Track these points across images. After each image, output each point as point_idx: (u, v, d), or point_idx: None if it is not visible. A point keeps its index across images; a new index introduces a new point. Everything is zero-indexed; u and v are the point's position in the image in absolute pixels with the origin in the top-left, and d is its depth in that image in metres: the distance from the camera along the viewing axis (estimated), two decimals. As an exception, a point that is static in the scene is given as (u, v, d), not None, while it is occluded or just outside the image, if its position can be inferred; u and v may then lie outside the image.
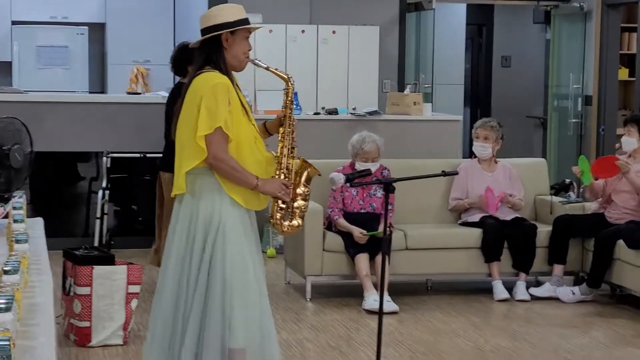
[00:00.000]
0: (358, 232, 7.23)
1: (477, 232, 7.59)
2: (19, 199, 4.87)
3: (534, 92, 13.82)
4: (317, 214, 7.32)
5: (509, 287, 7.51)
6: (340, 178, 5.07)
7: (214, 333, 4.41)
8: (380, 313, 4.96)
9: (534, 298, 7.50)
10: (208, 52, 4.50)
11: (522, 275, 7.60)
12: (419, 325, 6.79)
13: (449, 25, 13.23)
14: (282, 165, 4.61)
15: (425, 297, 7.61)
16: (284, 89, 4.68)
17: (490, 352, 6.20)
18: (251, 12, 10.51)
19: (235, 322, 4.42)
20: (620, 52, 11.59)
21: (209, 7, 9.79)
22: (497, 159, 7.99)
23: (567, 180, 8.22)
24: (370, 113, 9.67)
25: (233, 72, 4.57)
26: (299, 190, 4.65)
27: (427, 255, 7.53)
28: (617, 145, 7.64)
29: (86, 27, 11.95)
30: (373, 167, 7.39)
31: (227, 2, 9.81)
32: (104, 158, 8.82)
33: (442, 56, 12.39)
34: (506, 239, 7.59)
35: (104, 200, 8.81)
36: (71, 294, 6.00)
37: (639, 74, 10.70)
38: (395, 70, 11.55)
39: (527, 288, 7.54)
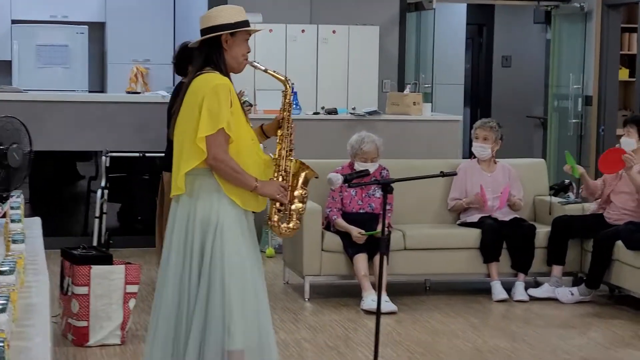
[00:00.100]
0: (356, 232, 7.22)
1: (475, 233, 7.59)
2: (17, 198, 4.87)
3: (534, 92, 13.81)
4: (315, 214, 7.32)
5: (508, 288, 7.51)
6: (338, 178, 5.06)
7: (215, 334, 4.41)
8: (377, 313, 4.96)
9: (533, 299, 7.49)
10: (208, 53, 4.51)
11: (521, 275, 7.59)
12: (417, 325, 6.79)
13: (449, 25, 13.22)
14: (281, 167, 4.62)
15: (424, 297, 7.61)
16: (282, 91, 4.67)
17: (488, 353, 6.20)
18: (251, 11, 10.56)
19: (233, 324, 4.42)
20: (621, 52, 11.58)
21: (209, 7, 9.82)
22: (497, 159, 7.98)
23: (567, 181, 8.22)
24: (370, 113, 9.66)
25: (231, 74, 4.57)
26: (296, 193, 4.65)
27: (425, 255, 7.53)
28: (617, 146, 7.63)
29: (86, 27, 11.95)
30: (372, 167, 7.38)
31: (227, 2, 9.85)
32: (103, 157, 8.83)
33: (442, 56, 12.39)
34: (505, 239, 7.58)
35: (102, 200, 8.82)
36: (69, 293, 6.00)
37: (639, 74, 10.69)
38: (395, 70, 11.55)
39: (526, 288, 7.54)
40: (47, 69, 11.82)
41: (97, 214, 8.83)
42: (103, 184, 8.86)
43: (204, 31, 4.50)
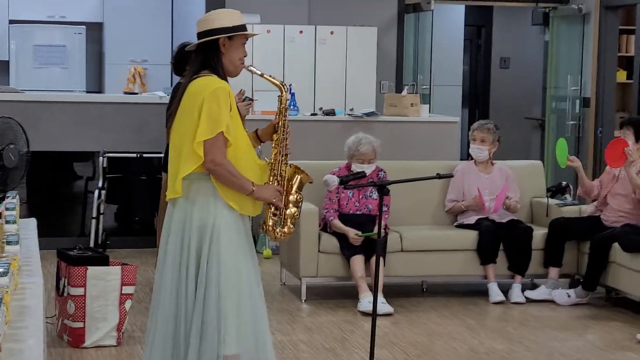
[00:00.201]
0: (353, 234, 7.22)
1: (472, 234, 7.58)
2: (12, 199, 4.86)
3: (532, 94, 13.82)
4: (312, 216, 7.32)
5: (505, 290, 7.51)
6: (334, 180, 5.07)
7: (210, 339, 4.41)
8: (373, 315, 4.96)
9: (530, 301, 7.49)
10: (205, 56, 4.50)
11: (518, 277, 7.59)
12: (414, 327, 6.78)
13: (447, 26, 13.23)
14: (276, 171, 4.61)
15: (421, 298, 7.60)
16: (278, 96, 4.67)
17: (485, 355, 6.19)
18: (249, 12, 10.64)
19: (228, 328, 4.41)
20: (619, 54, 11.58)
21: (207, 8, 9.82)
22: (494, 161, 7.98)
23: (564, 183, 8.21)
24: (368, 114, 9.66)
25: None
26: (291, 198, 4.65)
27: (422, 257, 7.52)
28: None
29: (84, 27, 11.94)
30: (369, 168, 7.38)
31: (224, 3, 9.85)
32: (100, 158, 8.83)
33: (440, 57, 12.38)
34: (502, 241, 7.58)
35: (100, 200, 8.82)
36: (65, 294, 5.99)
37: (637, 76, 10.69)
38: (393, 71, 11.55)
39: (523, 290, 7.53)
40: (44, 69, 11.81)
41: (94, 215, 8.83)
42: (100, 184, 8.87)
43: (201, 34, 4.49)
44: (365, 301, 7.03)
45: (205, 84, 4.41)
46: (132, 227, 9.77)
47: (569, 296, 7.42)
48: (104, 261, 6.10)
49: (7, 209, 4.55)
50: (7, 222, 4.21)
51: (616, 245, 7.18)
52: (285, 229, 4.67)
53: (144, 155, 8.84)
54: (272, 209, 4.63)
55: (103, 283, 5.95)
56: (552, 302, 7.45)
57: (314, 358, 6.05)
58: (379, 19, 11.34)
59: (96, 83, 12.26)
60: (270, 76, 4.67)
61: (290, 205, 4.66)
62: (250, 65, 4.65)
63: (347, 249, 7.27)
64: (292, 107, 9.55)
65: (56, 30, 11.93)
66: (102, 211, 8.86)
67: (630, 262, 7.07)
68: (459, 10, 13.44)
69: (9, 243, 3.71)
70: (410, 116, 9.79)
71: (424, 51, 11.76)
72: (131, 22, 11.98)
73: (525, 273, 7.62)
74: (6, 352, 2.76)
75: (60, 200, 10.25)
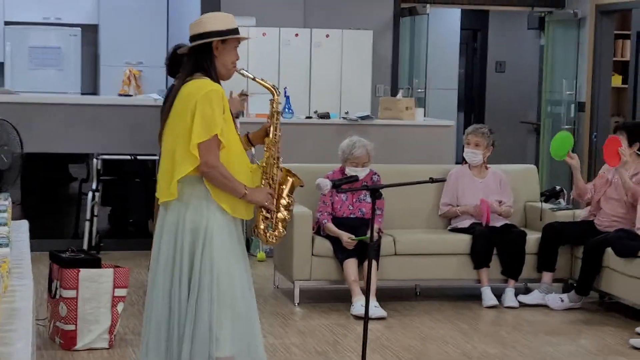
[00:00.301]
0: (346, 237, 7.21)
1: (466, 238, 7.58)
2: (4, 201, 4.85)
3: (528, 98, 13.82)
4: (306, 219, 7.31)
5: (498, 294, 7.50)
6: (326, 184, 5.07)
7: (202, 341, 4.41)
8: (365, 319, 4.95)
9: (523, 305, 7.48)
10: (198, 59, 4.50)
11: (511, 281, 7.59)
12: (407, 331, 6.77)
13: (443, 30, 13.23)
14: (268, 175, 4.61)
15: (414, 302, 7.60)
16: (270, 100, 4.67)
17: (477, 359, 6.19)
18: (245, 15, 10.64)
19: (221, 330, 4.42)
20: (614, 59, 11.60)
21: (202, 11, 9.81)
22: (488, 165, 7.98)
23: (558, 187, 8.21)
24: (362, 117, 9.65)
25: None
26: (282, 201, 4.66)
27: (416, 260, 7.52)
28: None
29: (79, 28, 11.94)
30: (363, 172, 7.38)
31: (220, 6, 9.84)
32: (94, 160, 8.82)
33: (436, 61, 12.38)
34: (495, 245, 7.57)
35: (93, 202, 8.81)
36: (57, 296, 5.98)
37: (632, 81, 10.71)
38: (388, 75, 11.55)
39: (516, 295, 7.53)
40: (39, 71, 11.80)
41: (88, 217, 8.83)
42: (94, 186, 8.86)
43: (194, 37, 4.49)
44: (358, 305, 7.02)
45: (198, 87, 4.41)
46: (126, 229, 9.76)
47: (562, 301, 7.41)
48: (96, 263, 6.09)
49: (-2, 210, 4.54)
50: (-2, 224, 4.21)
51: (609, 250, 7.18)
52: (277, 233, 4.68)
53: (138, 157, 8.84)
54: (264, 212, 4.64)
55: (95, 285, 5.94)
56: (545, 306, 7.45)
57: (306, 361, 6.05)
58: (374, 22, 11.34)
59: (91, 85, 12.26)
60: (262, 79, 4.67)
61: (282, 208, 4.66)
62: (242, 69, 4.65)
63: (341, 253, 7.26)
64: (287, 110, 9.55)
65: (51, 31, 11.92)
66: (96, 213, 8.85)
67: (623, 267, 7.07)
68: (455, 14, 13.45)
69: (-1, 245, 3.71)
70: (405, 120, 9.78)
71: (419, 55, 11.76)
72: (126, 24, 11.98)
73: (519, 277, 7.62)
74: (-6, 355, 2.76)
75: (55, 202, 10.25)
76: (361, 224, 7.33)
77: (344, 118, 9.77)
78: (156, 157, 7.72)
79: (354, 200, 7.46)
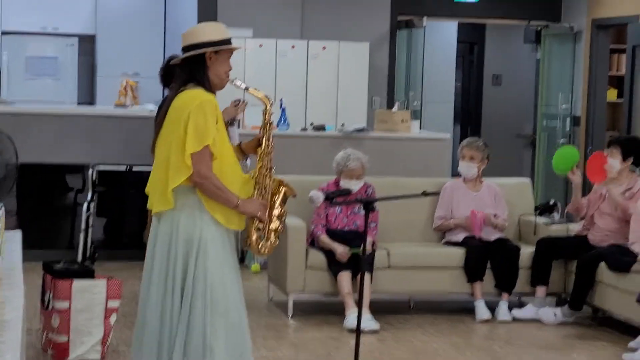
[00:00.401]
0: (341, 250, 7.21)
1: (460, 252, 7.58)
2: (-3, 211, 4.84)
3: (524, 111, 13.84)
4: (300, 231, 7.31)
5: (492, 308, 7.50)
6: (319, 197, 5.07)
7: (196, 350, 4.42)
8: (357, 332, 4.95)
9: (516, 319, 7.47)
10: (191, 70, 4.51)
11: (505, 295, 7.59)
12: (400, 344, 6.77)
13: (440, 42, 13.25)
14: (261, 185, 4.62)
15: (408, 315, 7.59)
16: (262, 110, 4.68)
17: (469, 373, 6.19)
18: (242, 26, 10.66)
19: (215, 340, 4.42)
20: (609, 73, 11.62)
21: (199, 21, 9.83)
22: (482, 179, 7.98)
23: (552, 201, 8.21)
24: (358, 130, 9.65)
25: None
26: (275, 212, 4.66)
27: (410, 273, 7.52)
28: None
29: (76, 39, 11.96)
30: (357, 184, 7.38)
31: (216, 17, 9.87)
32: (90, 170, 8.82)
33: (432, 74, 12.40)
34: (489, 259, 7.58)
35: (88, 213, 8.80)
36: (50, 308, 5.97)
37: (627, 95, 10.72)
38: (385, 87, 11.57)
39: (510, 309, 7.53)
40: (36, 81, 11.81)
41: (83, 227, 8.81)
42: (89, 197, 8.85)
43: (187, 48, 4.50)
44: (352, 318, 7.01)
45: (191, 97, 4.43)
46: (121, 240, 9.75)
47: (555, 315, 7.41)
48: (89, 275, 6.08)
49: (-10, 221, 4.53)
50: (-10, 234, 4.20)
51: (603, 264, 7.18)
52: (269, 243, 4.68)
53: (134, 168, 8.83)
54: (257, 223, 4.64)
55: (88, 297, 5.94)
56: (538, 321, 7.44)
57: (299, 374, 6.05)
58: (371, 34, 11.37)
59: (88, 95, 12.27)
60: (254, 89, 4.69)
61: (274, 219, 4.67)
62: (235, 79, 4.66)
63: (335, 265, 7.26)
64: (282, 121, 9.56)
65: (49, 41, 11.94)
66: (91, 224, 8.84)
67: (616, 281, 7.07)
68: (452, 27, 13.47)
69: (-10, 256, 3.70)
70: (401, 132, 9.79)
71: (416, 67, 11.78)
72: (123, 34, 12.00)
73: (512, 291, 7.61)
74: (-19, 367, 2.76)
75: (51, 212, 10.23)
76: (355, 236, 7.33)
77: (339, 130, 9.77)
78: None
79: (349, 212, 7.46)
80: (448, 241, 7.81)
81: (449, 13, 11.98)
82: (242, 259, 9.02)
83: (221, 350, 4.44)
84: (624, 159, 7.42)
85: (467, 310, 7.60)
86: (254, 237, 4.66)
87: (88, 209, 8.80)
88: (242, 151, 4.74)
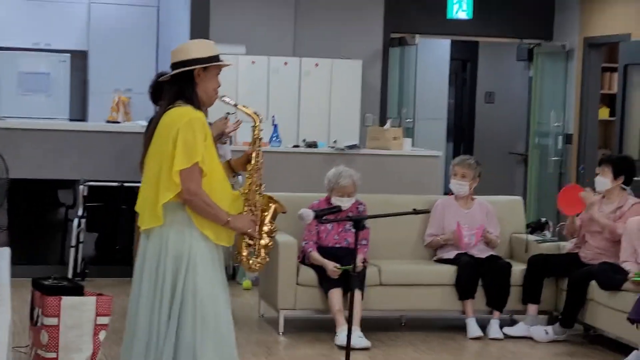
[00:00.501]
0: (332, 266, 7.20)
1: (451, 269, 7.56)
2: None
3: (517, 129, 13.84)
4: (291, 248, 7.30)
5: (483, 325, 7.48)
6: (308, 214, 5.05)
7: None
8: (347, 350, 4.94)
9: (508, 337, 7.46)
10: (180, 87, 4.51)
11: (496, 313, 7.57)
12: (391, 362, 6.76)
13: (432, 60, 13.26)
14: (250, 201, 4.62)
15: (399, 333, 7.57)
16: (252, 126, 4.68)
17: (460, 391, 6.17)
18: (234, 42, 10.65)
19: (205, 355, 4.40)
20: (601, 91, 11.64)
21: (191, 38, 9.83)
22: (474, 196, 7.98)
23: (543, 219, 8.21)
24: (350, 147, 9.65)
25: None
26: (265, 228, 4.66)
27: (401, 291, 7.50)
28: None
29: (68, 55, 11.95)
30: (349, 202, 7.37)
31: (209, 34, 9.87)
32: (81, 186, 8.80)
33: (425, 91, 12.41)
34: (481, 276, 7.56)
35: (79, 229, 8.78)
36: (38, 324, 5.94)
37: (619, 114, 10.74)
38: (377, 104, 11.59)
39: (501, 326, 7.51)
40: (28, 96, 11.80)
41: (74, 244, 8.79)
42: (80, 213, 8.84)
43: (175, 65, 4.50)
44: (343, 335, 6.98)
45: (180, 114, 4.42)
46: (113, 256, 9.71)
47: (547, 333, 7.40)
48: (78, 291, 6.05)
49: (-22, 238, 4.53)
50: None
51: (594, 282, 7.18)
52: (259, 259, 4.68)
53: (125, 184, 8.81)
54: (247, 239, 4.64)
55: (77, 313, 5.91)
56: (530, 338, 7.42)
57: (289, 392, 6.02)
58: (364, 52, 11.39)
59: (80, 111, 12.25)
60: (243, 106, 4.69)
61: (264, 235, 4.67)
62: (224, 96, 4.66)
63: (326, 282, 7.24)
64: (275, 138, 9.56)
65: (41, 57, 11.93)
66: (81, 240, 8.82)
67: (607, 299, 7.06)
68: (445, 44, 13.49)
69: (-23, 273, 3.68)
70: (393, 149, 9.79)
71: (408, 84, 11.79)
72: (116, 50, 12.00)
73: (504, 309, 7.60)
74: (-35, 384, 2.74)
75: (42, 228, 10.19)
76: (347, 253, 7.32)
77: (331, 147, 9.76)
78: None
79: (340, 230, 7.45)
80: (439, 258, 7.79)
81: (442, 31, 12.00)
82: (233, 275, 9.01)
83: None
84: (615, 177, 7.42)
85: (458, 327, 7.59)
86: (245, 253, 4.66)
87: (79, 224, 8.78)
88: (232, 168, 4.74)
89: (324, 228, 7.42)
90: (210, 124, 5.08)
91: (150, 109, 11.24)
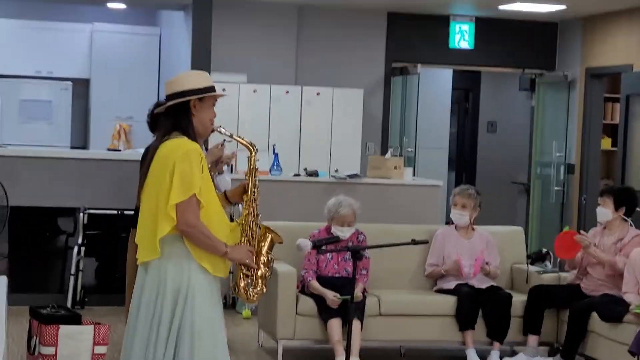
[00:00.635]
0: (332, 296, 7.17)
1: (451, 300, 7.53)
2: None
3: (519, 159, 13.84)
4: (290, 277, 7.27)
5: (483, 356, 7.44)
6: (306, 244, 5.04)
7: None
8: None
9: (508, 368, 7.43)
10: (175, 118, 4.51)
11: (497, 344, 7.52)
12: (390, 393, 6.71)
13: (434, 89, 13.27)
14: (247, 232, 4.60)
15: (399, 364, 7.54)
16: (247, 157, 4.67)
17: (459, 423, 6.13)
18: (236, 71, 10.67)
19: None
20: (603, 121, 11.64)
21: (193, 66, 9.85)
22: (474, 226, 7.95)
23: (544, 250, 8.18)
24: (351, 176, 9.64)
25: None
26: (262, 258, 4.64)
27: (401, 321, 7.46)
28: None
29: (70, 82, 11.98)
30: (349, 231, 7.35)
31: (210, 63, 9.88)
32: (81, 214, 8.79)
33: (427, 120, 12.41)
34: (481, 307, 7.53)
35: (79, 257, 8.77)
36: (36, 353, 5.93)
37: (621, 144, 10.73)
38: (379, 134, 11.59)
39: (502, 357, 7.47)
40: (30, 124, 11.80)
41: (73, 272, 8.77)
42: (80, 241, 8.82)
43: (171, 96, 4.49)
44: (342, 365, 6.96)
45: (176, 146, 4.41)
46: (112, 284, 9.69)
47: (547, 365, 7.37)
48: (76, 320, 6.04)
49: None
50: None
51: (595, 314, 7.14)
52: (257, 290, 4.66)
53: (125, 212, 8.80)
54: (244, 270, 4.62)
55: (74, 343, 5.90)
56: (530, 370, 7.39)
57: (287, 423, 5.98)
58: (365, 81, 11.41)
59: (81, 139, 12.27)
60: (239, 137, 4.69)
61: (262, 265, 4.65)
62: (220, 127, 4.65)
63: (325, 312, 7.21)
64: (275, 166, 9.55)
65: (43, 85, 11.95)
66: (81, 268, 8.80)
67: (608, 331, 7.02)
68: (447, 73, 13.51)
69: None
70: (394, 179, 9.77)
71: (410, 114, 11.79)
72: (118, 79, 12.02)
73: (504, 340, 7.55)
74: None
75: (43, 256, 10.18)
76: (346, 283, 7.28)
77: (332, 176, 9.75)
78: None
79: (339, 259, 7.42)
80: (439, 289, 7.76)
81: (444, 60, 12.02)
82: (233, 304, 8.97)
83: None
84: (617, 208, 7.40)
85: (458, 358, 7.54)
86: (242, 284, 4.64)
87: (79, 252, 8.76)
88: (228, 199, 4.73)
89: (324, 257, 7.40)
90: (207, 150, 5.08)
91: (151, 136, 11.26)
